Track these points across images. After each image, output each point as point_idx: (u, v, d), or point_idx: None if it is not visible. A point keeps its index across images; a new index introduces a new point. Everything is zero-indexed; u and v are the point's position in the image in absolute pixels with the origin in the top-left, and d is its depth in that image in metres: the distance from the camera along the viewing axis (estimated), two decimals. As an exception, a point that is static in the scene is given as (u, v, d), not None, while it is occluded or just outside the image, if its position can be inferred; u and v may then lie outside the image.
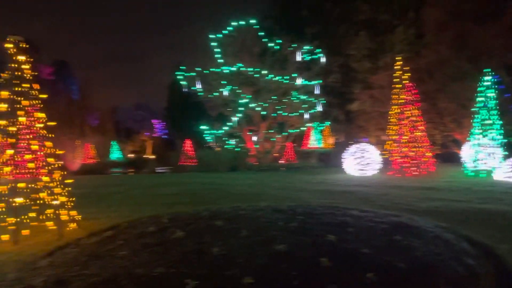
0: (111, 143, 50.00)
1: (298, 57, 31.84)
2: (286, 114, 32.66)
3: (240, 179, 20.61)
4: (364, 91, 33.30)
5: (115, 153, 50.33)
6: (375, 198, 12.65)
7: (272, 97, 32.02)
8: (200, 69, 31.24)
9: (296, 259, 5.04)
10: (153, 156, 54.05)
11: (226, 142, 34.21)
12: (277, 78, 31.18)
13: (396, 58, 24.33)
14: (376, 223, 6.91)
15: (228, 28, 31.38)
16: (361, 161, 21.48)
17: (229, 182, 18.61)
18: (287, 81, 31.58)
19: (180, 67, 32.69)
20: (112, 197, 14.13)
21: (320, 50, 32.22)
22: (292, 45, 31.44)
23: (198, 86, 31.77)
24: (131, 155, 54.82)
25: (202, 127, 33.62)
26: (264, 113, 32.92)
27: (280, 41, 31.12)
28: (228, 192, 14.49)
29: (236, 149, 33.64)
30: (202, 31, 34.38)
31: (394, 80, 23.92)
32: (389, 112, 24.25)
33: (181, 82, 32.24)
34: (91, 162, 42.25)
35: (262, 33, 31.20)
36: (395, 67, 23.94)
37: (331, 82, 34.88)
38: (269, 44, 31.39)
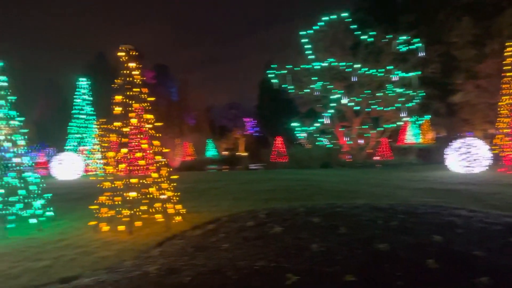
0: (207, 141, 52.57)
1: (394, 48, 30.36)
2: (381, 108, 31.36)
3: (333, 176, 20.31)
4: (469, 81, 30.65)
5: (211, 151, 52.84)
6: (485, 197, 11.59)
7: (366, 91, 30.97)
8: (290, 66, 31.37)
9: (400, 259, 4.86)
10: (246, 153, 55.67)
11: (318, 138, 33.93)
12: (370, 71, 30.09)
13: (506, 44, 22.00)
14: (488, 224, 6.37)
15: (318, 23, 31.05)
16: (467, 157, 19.80)
17: (322, 179, 18.45)
18: (382, 74, 30.31)
19: (271, 66, 33.17)
20: (211, 192, 14.86)
21: (418, 39, 30.33)
22: (387, 36, 30.05)
23: (289, 83, 31.93)
24: (225, 153, 57.10)
25: (293, 124, 33.74)
26: (357, 108, 31.98)
27: (374, 32, 29.94)
28: (321, 189, 14.37)
29: (328, 145, 33.20)
30: (292, 29, 34.53)
31: (505, 68, 21.66)
32: (499, 103, 22.04)
33: (272, 80, 32.69)
34: (189, 159, 44.92)
35: (355, 26, 30.33)
36: (505, 54, 21.67)
37: (430, 73, 32.60)
38: (362, 37, 30.38)
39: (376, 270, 4.60)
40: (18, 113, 10.05)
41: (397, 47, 30.51)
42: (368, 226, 6.26)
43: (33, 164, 10.78)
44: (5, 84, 9.86)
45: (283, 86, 32.61)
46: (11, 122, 9.72)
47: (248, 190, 14.99)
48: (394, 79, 30.60)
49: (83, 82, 29.64)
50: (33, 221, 9.24)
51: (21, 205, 9.54)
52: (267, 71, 33.52)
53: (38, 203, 9.70)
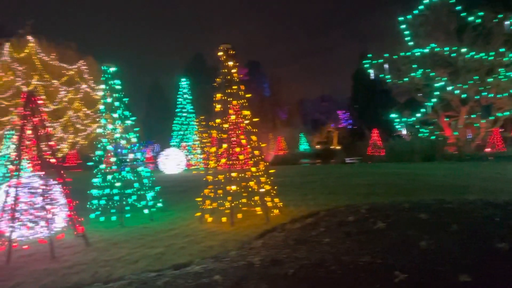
0: (299, 135, 52.58)
1: (506, 29, 27.26)
2: (492, 95, 28.45)
3: (438, 169, 18.98)
4: None
5: (303, 145, 52.74)
6: None
7: (474, 77, 28.33)
8: (387, 55, 29.95)
9: (524, 261, 4.38)
10: (339, 147, 54.55)
11: (419, 130, 31.96)
12: (479, 55, 27.42)
13: None
14: None
15: (419, 7, 29.16)
16: None
17: (425, 173, 17.35)
18: (492, 58, 27.45)
19: (367, 55, 31.99)
20: (306, 186, 14.85)
21: (536, 16, 26.87)
22: (498, 16, 27.09)
23: (386, 72, 30.52)
24: (318, 146, 56.55)
25: (391, 115, 32.18)
26: (464, 96, 29.41)
27: (482, 13, 27.20)
28: (426, 183, 13.52)
29: (431, 137, 31.10)
30: (389, 16, 32.89)
31: None
32: None
33: (368, 70, 31.52)
34: (282, 153, 45.38)
35: (459, 7, 27.88)
36: None
37: (552, 53, 28.70)
38: (469, 18, 27.80)
39: (495, 271, 4.21)
40: (130, 113, 11.03)
41: (510, 27, 27.37)
42: (483, 223, 5.74)
43: (144, 159, 11.77)
44: (119, 87, 10.88)
45: (380, 76, 31.28)
46: (126, 121, 10.70)
47: (345, 184, 14.69)
48: (507, 62, 27.56)
49: (183, 82, 31.52)
50: (146, 211, 10.10)
51: (135, 197, 10.51)
52: (363, 61, 32.39)
53: (149, 195, 10.58)
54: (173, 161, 25.39)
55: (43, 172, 7.86)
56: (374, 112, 44.08)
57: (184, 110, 31.32)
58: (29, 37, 35.60)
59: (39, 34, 36.87)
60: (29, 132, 7.89)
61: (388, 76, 30.74)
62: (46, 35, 38.01)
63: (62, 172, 8.16)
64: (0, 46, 35.19)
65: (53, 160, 8.09)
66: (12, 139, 25.66)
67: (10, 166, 7.88)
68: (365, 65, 31.52)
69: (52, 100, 34.62)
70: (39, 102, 8.12)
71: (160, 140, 51.98)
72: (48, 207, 7.60)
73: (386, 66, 30.17)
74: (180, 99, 31.44)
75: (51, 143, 8.18)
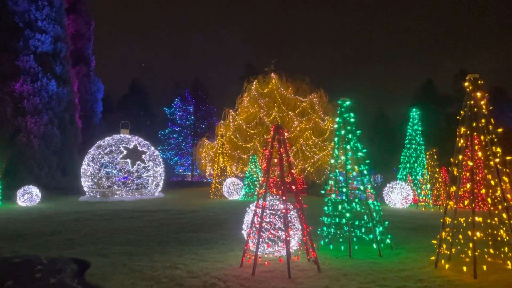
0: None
1: None
2: None
3: None
4: None
5: None
6: None
7: None
8: None
9: None
10: None
11: None
12: None
13: None
14: None
15: None
16: None
17: None
18: None
19: None
20: None
21: None
22: None
23: None
24: None
25: None
26: None
27: None
28: None
29: None
30: None
31: None
32: None
33: None
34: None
35: None
36: None
37: None
38: None
39: None
40: (362, 145, 11.16)
41: None
42: None
43: (375, 192, 11.62)
44: (353, 120, 11.18)
45: None
46: (358, 153, 10.88)
47: None
48: None
49: (413, 112, 30.09)
50: (374, 246, 9.92)
51: (363, 229, 10.48)
52: None
53: (378, 229, 10.36)
54: (398, 195, 24.31)
55: (284, 197, 8.71)
56: None
57: (413, 141, 29.74)
58: (272, 74, 40.86)
59: (279, 71, 41.98)
60: (275, 160, 8.93)
61: None
62: (285, 70, 42.98)
63: (300, 198, 8.87)
64: (250, 83, 41.66)
65: (293, 187, 8.89)
66: (257, 163, 29.66)
67: (258, 189, 9.07)
68: None
69: (287, 129, 38.46)
70: (285, 134, 9.10)
71: (382, 170, 50.81)
72: (286, 229, 8.35)
73: None
74: (409, 130, 30.04)
75: (292, 171, 9.02)
